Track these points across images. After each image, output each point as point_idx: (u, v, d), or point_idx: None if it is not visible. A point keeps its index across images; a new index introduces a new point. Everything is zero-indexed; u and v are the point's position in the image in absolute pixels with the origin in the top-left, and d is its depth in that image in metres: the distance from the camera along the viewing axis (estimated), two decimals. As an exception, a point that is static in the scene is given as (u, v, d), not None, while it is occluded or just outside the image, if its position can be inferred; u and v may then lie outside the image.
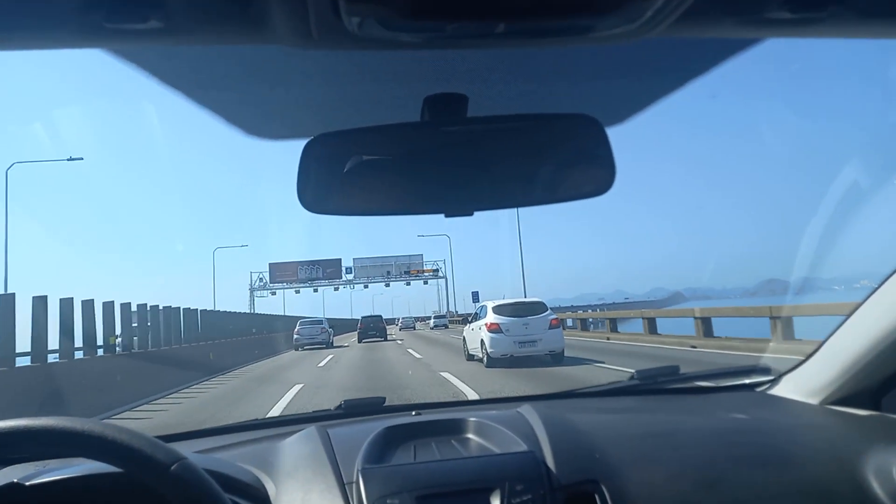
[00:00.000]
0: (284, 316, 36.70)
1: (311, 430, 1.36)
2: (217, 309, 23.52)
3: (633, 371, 1.93)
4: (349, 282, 59.42)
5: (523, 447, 1.20)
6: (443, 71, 1.36)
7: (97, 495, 1.04)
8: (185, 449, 0.91)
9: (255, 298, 58.47)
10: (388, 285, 60.78)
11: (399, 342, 25.40)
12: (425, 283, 61.38)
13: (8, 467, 1.08)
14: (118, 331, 12.74)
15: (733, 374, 1.90)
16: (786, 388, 1.62)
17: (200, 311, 18.78)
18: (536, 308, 12.70)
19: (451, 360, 14.18)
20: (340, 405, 1.79)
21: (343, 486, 1.09)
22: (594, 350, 14.91)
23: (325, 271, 58.89)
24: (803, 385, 1.55)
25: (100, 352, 11.99)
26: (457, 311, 51.34)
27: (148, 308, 14.44)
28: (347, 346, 24.90)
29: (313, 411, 1.88)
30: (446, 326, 42.06)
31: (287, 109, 1.75)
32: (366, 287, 60.61)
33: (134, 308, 13.81)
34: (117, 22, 0.59)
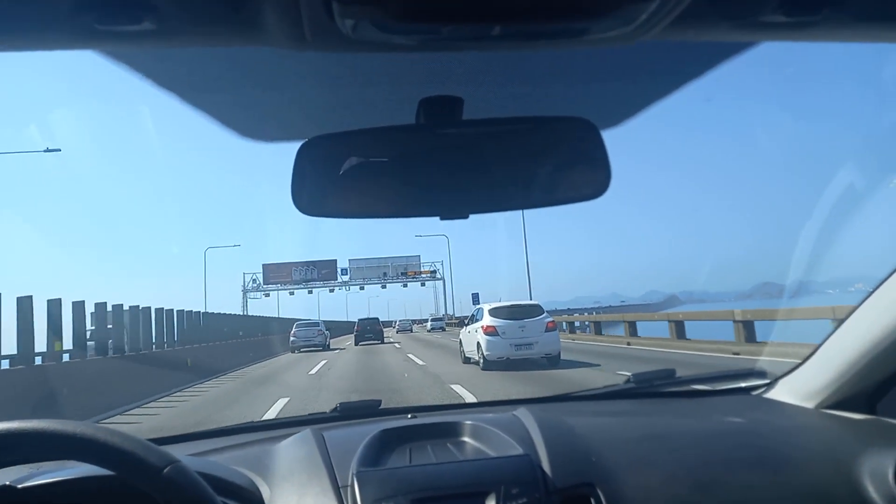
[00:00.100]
0: (279, 318, 36.44)
1: (307, 432, 1.36)
2: (208, 311, 23.24)
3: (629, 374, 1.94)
4: (345, 283, 58.46)
5: (519, 450, 1.19)
6: (438, 73, 1.36)
7: (90, 498, 1.04)
8: (178, 452, 0.90)
9: (249, 300, 57.61)
10: (384, 287, 59.82)
11: (397, 346, 24.54)
12: (422, 284, 60.63)
13: (0, 470, 1.08)
14: (89, 330, 12.41)
15: (729, 377, 1.90)
16: (782, 392, 1.62)
17: (188, 312, 18.39)
18: (533, 311, 12.71)
19: (465, 371, 12.69)
20: (336, 408, 1.79)
21: (338, 490, 1.09)
22: (608, 356, 14.00)
23: (321, 272, 57.95)
24: (799, 389, 1.55)
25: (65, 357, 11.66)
26: (454, 314, 50.96)
27: (126, 308, 13.91)
28: (343, 349, 24.72)
29: (308, 414, 1.87)
30: (443, 329, 42.04)
31: (281, 112, 1.75)
32: (362, 289, 59.71)
33: (109, 308, 13.37)
34: (110, 24, 0.59)
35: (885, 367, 1.35)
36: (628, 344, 17.21)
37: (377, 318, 31.24)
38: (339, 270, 57.99)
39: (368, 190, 1.01)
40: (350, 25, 0.59)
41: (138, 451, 0.83)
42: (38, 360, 10.56)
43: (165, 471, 0.83)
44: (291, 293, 58.34)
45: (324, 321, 29.01)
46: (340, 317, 68.77)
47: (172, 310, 17.01)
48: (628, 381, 1.90)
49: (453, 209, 0.99)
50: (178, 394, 11.92)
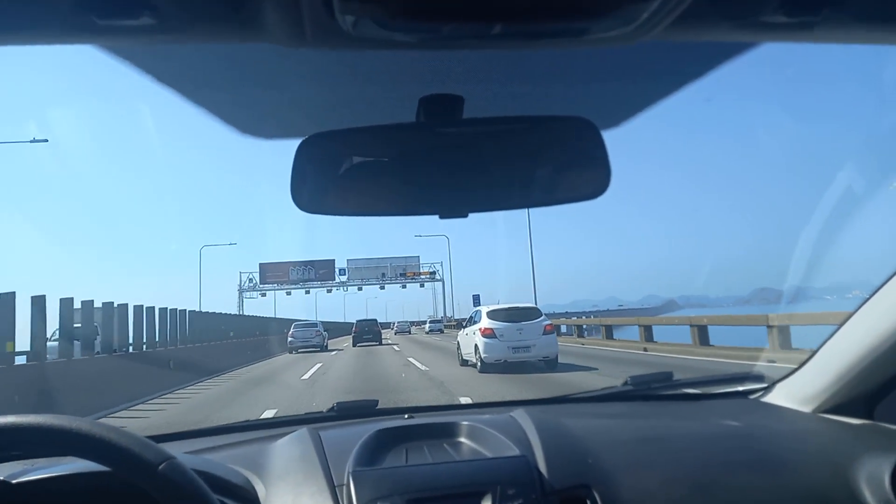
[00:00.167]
0: (277, 318, 36.01)
1: (303, 432, 1.35)
2: (204, 311, 22.40)
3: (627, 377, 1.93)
4: (342, 283, 57.11)
5: (516, 451, 1.19)
6: (438, 72, 1.36)
7: (85, 494, 1.03)
8: (174, 450, 0.90)
9: (245, 300, 56.35)
10: (382, 288, 58.67)
11: (396, 349, 23.78)
12: (421, 285, 59.66)
13: None
14: (75, 327, 11.66)
15: (727, 381, 1.90)
16: (779, 396, 1.62)
17: (181, 311, 17.66)
18: (531, 313, 12.70)
19: (467, 375, 12.15)
20: (333, 407, 1.78)
21: (334, 489, 1.09)
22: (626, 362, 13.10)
23: (318, 272, 56.43)
24: (796, 393, 1.55)
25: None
26: (454, 317, 50.63)
27: (115, 306, 13.37)
28: (341, 350, 24.50)
29: (305, 413, 1.87)
30: (441, 331, 42.03)
31: (281, 109, 1.75)
32: (360, 289, 58.73)
33: (98, 305, 12.74)
34: (109, 18, 0.59)
35: (883, 372, 1.35)
36: (645, 350, 15.87)
37: (375, 320, 31.24)
38: (336, 270, 57.00)
39: (368, 188, 1.01)
40: (350, 22, 0.59)
41: (134, 447, 0.83)
42: (21, 360, 10.19)
43: (161, 467, 0.82)
44: (288, 293, 57.26)
45: (321, 322, 28.89)
46: (338, 318, 67.98)
47: (166, 308, 16.39)
48: (626, 383, 1.90)
49: (453, 208, 0.99)
50: (155, 400, 10.85)
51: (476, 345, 12.40)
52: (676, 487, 1.15)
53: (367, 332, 29.08)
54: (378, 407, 1.81)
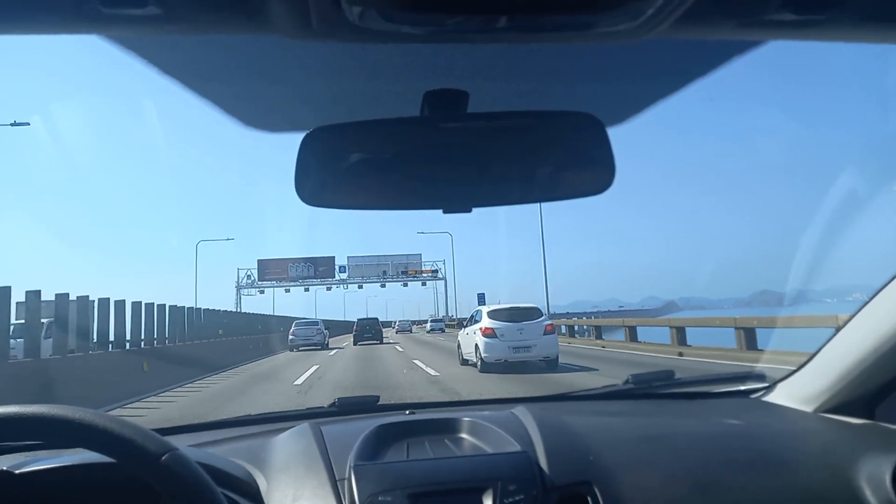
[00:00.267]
0: (277, 316, 35.67)
1: (304, 426, 1.36)
2: (202, 308, 21.69)
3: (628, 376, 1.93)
4: (343, 281, 56.32)
5: (517, 447, 1.19)
6: (443, 66, 1.36)
7: (88, 485, 1.04)
8: (177, 443, 0.90)
9: (242, 297, 55.41)
10: (383, 286, 57.75)
11: (399, 349, 22.60)
12: (423, 284, 58.70)
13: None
14: (46, 321, 11.16)
15: (728, 380, 1.90)
16: (780, 396, 1.62)
17: (171, 307, 16.76)
18: (531, 313, 12.70)
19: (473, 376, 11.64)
20: (334, 403, 1.79)
21: (335, 483, 1.09)
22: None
23: (318, 269, 55.66)
24: (798, 393, 1.55)
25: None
26: (456, 315, 50.14)
27: (96, 301, 12.54)
28: (342, 349, 24.41)
29: (307, 408, 1.87)
30: (443, 330, 41.97)
31: (285, 102, 1.75)
32: (360, 287, 57.86)
33: (73, 298, 11.86)
34: (115, 7, 0.59)
35: (884, 373, 1.35)
36: (680, 355, 14.12)
37: (376, 319, 31.27)
38: (336, 268, 56.04)
39: (371, 182, 1.01)
40: (357, 13, 0.59)
41: (137, 437, 0.83)
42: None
43: (163, 458, 0.83)
44: (287, 291, 56.19)
45: (322, 320, 28.91)
46: (338, 316, 67.39)
47: (153, 304, 15.54)
48: (627, 381, 1.90)
49: (456, 203, 0.99)
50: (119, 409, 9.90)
51: (476, 344, 12.40)
52: (677, 485, 1.15)
53: (369, 331, 29.09)
54: (379, 403, 1.81)
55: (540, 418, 1.33)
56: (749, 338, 13.32)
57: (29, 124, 19.83)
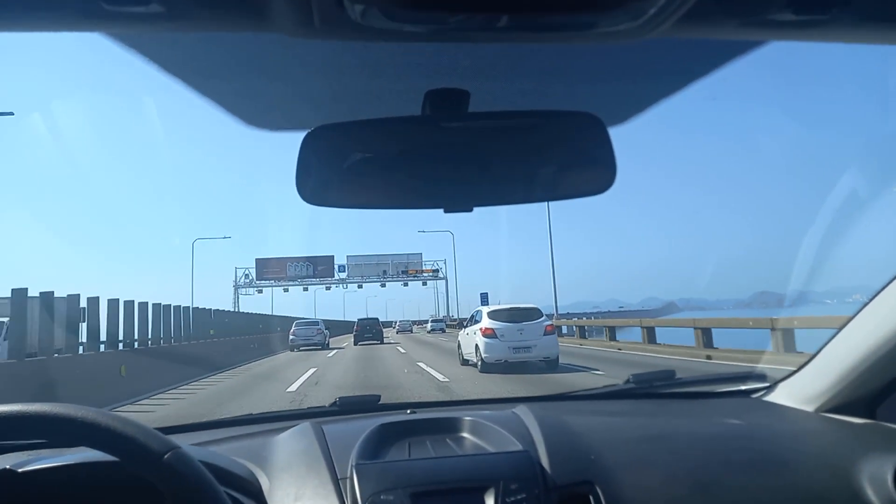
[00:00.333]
0: (277, 316, 35.39)
1: (306, 425, 1.36)
2: (201, 307, 20.81)
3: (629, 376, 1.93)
4: (342, 281, 55.24)
5: (518, 447, 1.19)
6: (444, 66, 1.36)
7: (92, 483, 1.04)
8: (179, 441, 0.90)
9: (240, 297, 54.03)
10: (383, 286, 56.65)
11: (401, 350, 21.37)
12: (424, 284, 57.75)
13: (2, 455, 1.08)
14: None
15: (729, 380, 1.90)
16: (781, 395, 1.62)
17: (164, 306, 16.03)
18: (532, 314, 12.69)
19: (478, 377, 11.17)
20: (335, 402, 1.79)
21: (337, 482, 1.09)
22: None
23: (317, 269, 54.51)
24: (799, 392, 1.55)
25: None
26: (458, 315, 49.52)
27: (82, 302, 11.92)
28: (342, 349, 24.27)
29: (308, 408, 1.88)
30: (443, 331, 41.90)
31: (287, 101, 1.75)
32: (360, 287, 56.78)
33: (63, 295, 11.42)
34: (118, 4, 0.59)
35: (886, 372, 1.35)
36: (708, 357, 12.85)
37: (377, 319, 31.23)
38: (336, 267, 54.94)
39: (373, 181, 1.01)
40: (359, 11, 0.59)
41: (139, 436, 0.83)
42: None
43: (166, 457, 0.83)
44: (286, 290, 55.11)
45: (322, 320, 28.83)
46: (337, 316, 66.82)
47: (147, 303, 14.93)
48: (628, 381, 1.90)
49: (458, 202, 0.99)
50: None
51: (477, 345, 12.40)
52: (678, 485, 1.15)
53: (369, 331, 29.05)
54: (380, 402, 1.82)
55: (541, 418, 1.33)
56: (787, 339, 11.88)
57: (13, 114, 19.10)
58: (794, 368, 1.61)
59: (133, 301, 14.27)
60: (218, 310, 22.33)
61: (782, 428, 1.45)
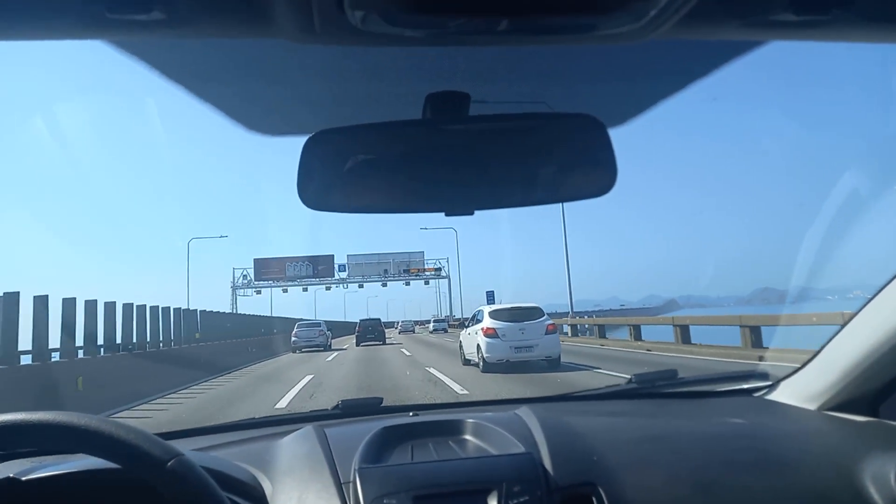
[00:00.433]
0: (280, 318, 34.89)
1: (309, 429, 1.36)
2: (202, 310, 20.13)
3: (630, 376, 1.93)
4: (342, 280, 53.92)
5: (521, 449, 1.19)
6: (445, 69, 1.36)
7: (94, 491, 1.04)
8: (182, 447, 0.91)
9: (239, 298, 52.74)
10: (385, 285, 54.79)
11: (406, 353, 19.73)
12: (426, 283, 56.50)
13: (4, 462, 1.08)
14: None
15: (731, 378, 1.90)
16: (783, 394, 1.62)
17: (154, 308, 15.32)
18: (533, 313, 12.69)
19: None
20: (338, 405, 1.79)
21: (340, 486, 1.09)
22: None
23: (317, 269, 53.18)
24: (801, 391, 1.55)
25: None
26: (462, 315, 48.79)
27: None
28: (344, 350, 24.17)
29: (310, 411, 1.88)
30: (445, 331, 41.85)
31: (288, 105, 1.75)
32: (360, 287, 55.57)
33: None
34: (120, 12, 0.59)
35: (888, 370, 1.35)
36: (761, 359, 10.53)
37: (379, 319, 31.19)
38: (336, 267, 53.64)
39: (374, 185, 1.01)
40: (360, 17, 0.59)
41: (142, 443, 0.84)
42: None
43: (169, 464, 0.83)
44: (285, 290, 53.88)
45: (324, 321, 28.76)
46: (338, 317, 66.18)
47: (143, 305, 14.33)
48: (630, 381, 1.90)
49: (459, 205, 0.99)
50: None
51: (478, 344, 12.39)
52: (680, 486, 1.15)
53: (371, 332, 29.00)
54: (383, 405, 1.82)
55: (543, 419, 1.33)
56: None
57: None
58: (797, 366, 1.61)
59: (127, 303, 13.82)
60: (207, 311, 20.80)
61: (784, 427, 1.44)
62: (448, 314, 54.01)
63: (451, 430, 1.37)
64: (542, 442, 1.22)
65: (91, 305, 12.25)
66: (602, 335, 21.40)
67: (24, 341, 10.14)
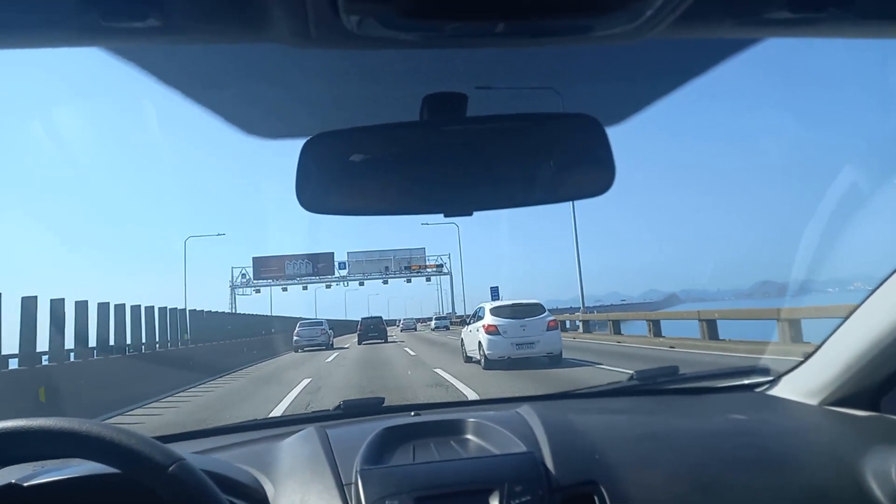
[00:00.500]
0: (281, 317, 34.58)
1: (310, 430, 1.36)
2: (200, 310, 19.70)
3: (632, 372, 1.93)
4: (343, 278, 53.46)
5: (522, 448, 1.19)
6: (442, 70, 1.36)
7: (95, 496, 1.04)
8: (183, 450, 0.91)
9: (238, 297, 52.24)
10: (385, 283, 54.49)
11: (411, 353, 18.46)
12: (428, 280, 55.82)
13: (6, 468, 1.08)
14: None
15: (732, 374, 1.90)
16: (785, 389, 1.62)
17: (147, 308, 14.68)
18: (534, 310, 12.69)
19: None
20: (339, 406, 1.79)
21: (342, 487, 1.09)
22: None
23: (316, 266, 52.48)
24: (802, 386, 1.55)
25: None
26: (464, 312, 48.40)
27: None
28: (346, 349, 24.10)
29: (312, 412, 1.88)
30: (447, 328, 41.82)
31: (286, 108, 1.76)
32: (361, 285, 54.86)
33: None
34: (115, 20, 0.59)
35: (889, 364, 1.35)
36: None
37: (381, 317, 31.18)
38: (336, 264, 53.03)
39: (373, 187, 1.01)
40: (355, 21, 0.59)
41: (144, 448, 0.84)
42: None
43: (171, 469, 0.83)
44: (284, 289, 53.10)
45: (326, 320, 28.70)
46: (339, 315, 65.59)
47: (139, 306, 13.82)
48: (631, 378, 1.90)
49: (458, 206, 0.99)
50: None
51: (480, 341, 12.39)
52: (683, 483, 1.15)
53: (373, 330, 28.99)
54: (384, 405, 1.82)
55: (545, 418, 1.34)
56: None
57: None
58: (799, 360, 1.61)
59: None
60: (200, 311, 19.78)
61: (785, 423, 1.45)
62: (450, 311, 53.83)
63: (453, 429, 1.37)
64: (544, 441, 1.22)
65: (82, 306, 11.80)
66: (617, 331, 19.62)
67: (12, 345, 9.86)
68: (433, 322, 46.56)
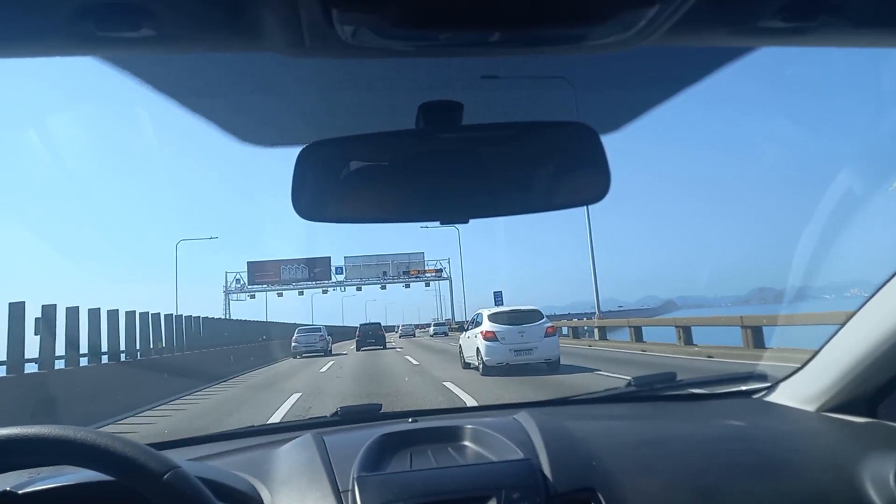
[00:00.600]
0: (279, 323, 33.96)
1: (307, 437, 1.36)
2: (196, 316, 19.05)
3: (629, 378, 1.93)
4: (340, 283, 52.25)
5: (520, 455, 1.19)
6: (438, 78, 1.37)
7: (91, 503, 1.03)
8: (178, 457, 0.90)
9: (232, 303, 50.91)
10: (384, 288, 53.49)
11: (414, 361, 17.20)
12: (427, 285, 55.42)
13: (1, 476, 1.08)
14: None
15: (730, 380, 1.90)
16: (782, 395, 1.62)
17: (143, 314, 14.22)
18: (532, 316, 12.68)
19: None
20: (336, 412, 1.78)
21: (339, 494, 1.09)
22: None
23: (313, 271, 51.29)
24: (800, 392, 1.55)
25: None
26: (465, 318, 47.87)
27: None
28: (344, 355, 24.00)
29: (309, 418, 1.87)
30: (446, 334, 41.76)
31: (282, 116, 1.76)
32: (359, 290, 53.48)
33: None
34: (109, 30, 0.59)
35: (886, 371, 1.35)
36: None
37: (379, 324, 31.11)
38: (333, 269, 51.76)
39: (368, 195, 1.01)
40: (349, 31, 0.59)
41: (138, 456, 0.83)
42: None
43: (166, 476, 0.83)
44: (280, 294, 51.95)
45: (324, 326, 28.54)
46: (336, 321, 64.86)
47: (134, 311, 13.38)
48: (629, 384, 1.90)
49: (453, 214, 0.99)
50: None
51: (478, 348, 12.38)
52: (680, 490, 1.15)
53: (371, 336, 28.92)
54: (382, 411, 1.81)
55: (542, 424, 1.33)
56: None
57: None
58: (797, 366, 1.61)
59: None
60: (174, 315, 17.69)
61: (783, 429, 1.45)
62: (449, 317, 53.55)
63: (450, 436, 1.36)
64: (541, 447, 1.22)
65: (73, 312, 11.48)
66: (639, 338, 18.28)
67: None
68: (432, 328, 46.48)
